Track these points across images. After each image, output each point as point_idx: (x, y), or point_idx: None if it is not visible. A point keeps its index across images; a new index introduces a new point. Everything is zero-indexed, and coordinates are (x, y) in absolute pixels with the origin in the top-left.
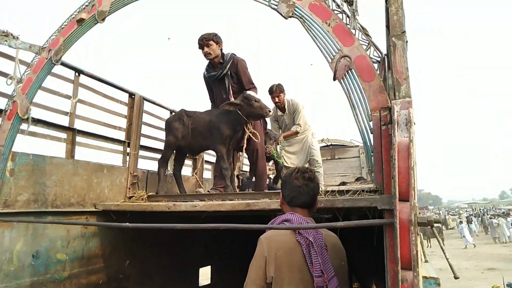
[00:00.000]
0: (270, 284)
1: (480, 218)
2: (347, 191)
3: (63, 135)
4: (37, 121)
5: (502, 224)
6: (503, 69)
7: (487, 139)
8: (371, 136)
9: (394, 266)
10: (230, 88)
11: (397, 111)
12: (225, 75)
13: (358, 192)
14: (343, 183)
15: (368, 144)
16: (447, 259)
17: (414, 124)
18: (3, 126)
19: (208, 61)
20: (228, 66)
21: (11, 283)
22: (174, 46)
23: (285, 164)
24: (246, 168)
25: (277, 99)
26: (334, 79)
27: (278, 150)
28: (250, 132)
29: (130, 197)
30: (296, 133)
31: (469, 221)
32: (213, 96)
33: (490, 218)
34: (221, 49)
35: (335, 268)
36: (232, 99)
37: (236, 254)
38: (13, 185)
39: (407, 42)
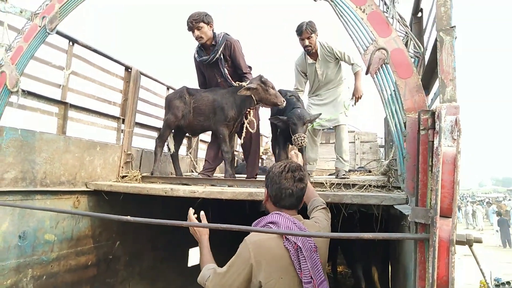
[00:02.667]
0: None
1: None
2: (354, 185)
3: (55, 109)
4: (28, 93)
5: (477, 212)
6: None
7: (471, 130)
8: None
9: (424, 285)
10: (227, 72)
11: (444, 117)
12: (218, 59)
13: (365, 187)
14: None
15: (400, 147)
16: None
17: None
18: None
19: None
20: (221, 49)
21: None
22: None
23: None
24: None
25: (307, 42)
26: (367, 73)
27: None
28: (248, 121)
29: (123, 177)
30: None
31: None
32: (204, 80)
33: (467, 205)
34: (213, 30)
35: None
36: (232, 83)
37: (225, 235)
38: (0, 162)
39: (456, 38)
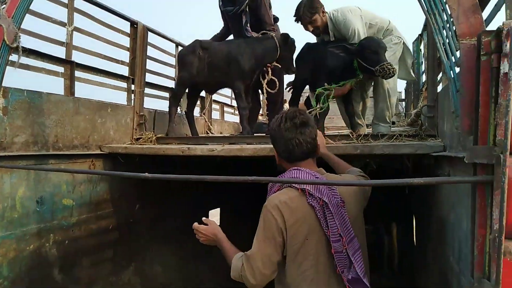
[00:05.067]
0: (285, 257)
1: None
2: (382, 135)
3: (60, 69)
4: (29, 52)
5: None
6: None
7: None
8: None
9: (485, 233)
10: (248, 26)
11: None
12: (243, 12)
13: (395, 137)
14: None
15: (453, 81)
16: None
17: None
18: None
19: None
20: (247, 1)
21: (16, 231)
22: None
23: None
24: None
25: (310, 27)
26: None
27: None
28: (267, 81)
29: (137, 139)
30: None
31: None
32: (227, 30)
33: None
34: None
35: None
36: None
37: (245, 196)
38: (8, 125)
39: None
